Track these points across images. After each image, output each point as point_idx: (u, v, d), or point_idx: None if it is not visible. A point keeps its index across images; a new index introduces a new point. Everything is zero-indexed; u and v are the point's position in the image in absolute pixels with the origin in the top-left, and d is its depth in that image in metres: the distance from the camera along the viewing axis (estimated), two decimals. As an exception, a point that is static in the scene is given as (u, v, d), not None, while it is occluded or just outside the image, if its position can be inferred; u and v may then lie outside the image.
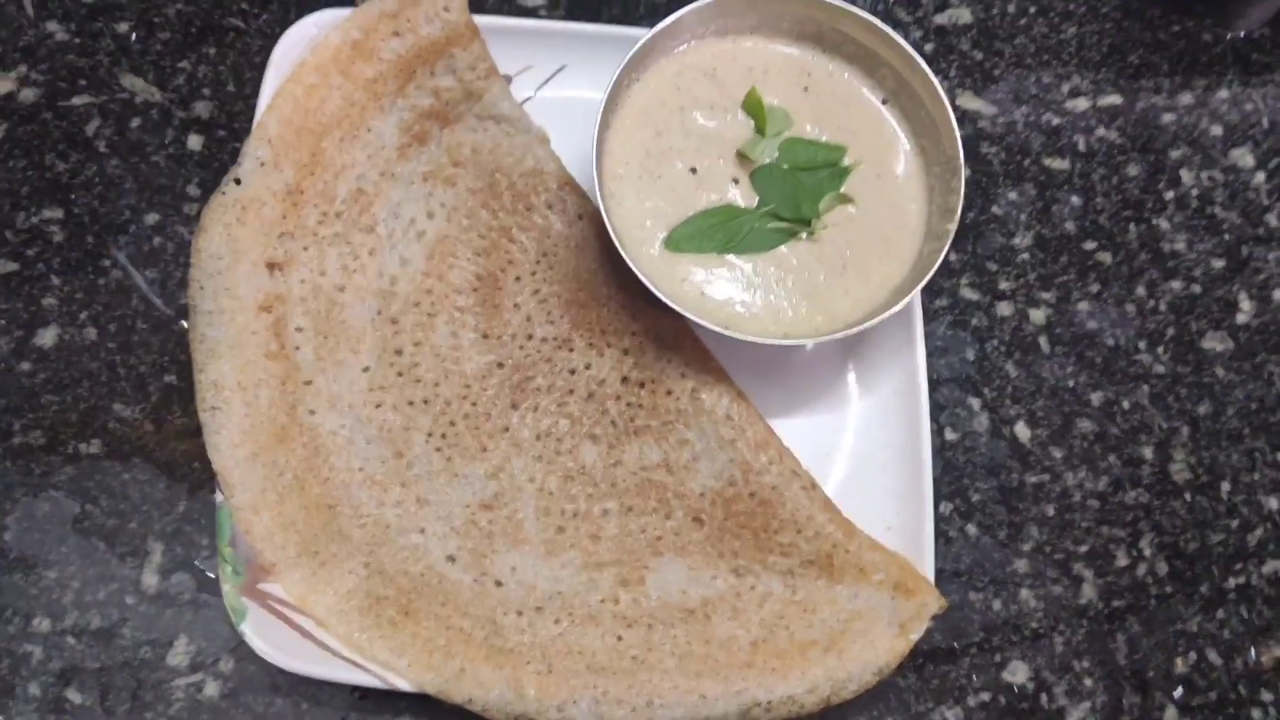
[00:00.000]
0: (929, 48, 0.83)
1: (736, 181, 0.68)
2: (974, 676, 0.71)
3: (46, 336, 0.71)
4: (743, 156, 0.68)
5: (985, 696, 0.71)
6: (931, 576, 0.66)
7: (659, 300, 0.63)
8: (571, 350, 0.70)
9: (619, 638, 0.66)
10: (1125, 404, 0.77)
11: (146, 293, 0.72)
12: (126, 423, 0.70)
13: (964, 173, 0.65)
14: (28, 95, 0.74)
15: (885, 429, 0.71)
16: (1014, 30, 0.84)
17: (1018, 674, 0.72)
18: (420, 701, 0.67)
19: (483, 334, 0.70)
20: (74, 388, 0.70)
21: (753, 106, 0.68)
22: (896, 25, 0.82)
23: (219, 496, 0.64)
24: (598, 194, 0.65)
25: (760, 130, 0.68)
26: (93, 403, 0.70)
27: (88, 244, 0.72)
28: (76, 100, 0.74)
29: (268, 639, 0.63)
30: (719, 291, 0.66)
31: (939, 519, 0.68)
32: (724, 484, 0.69)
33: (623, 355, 0.70)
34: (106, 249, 0.72)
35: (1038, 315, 0.78)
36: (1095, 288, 0.79)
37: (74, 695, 0.66)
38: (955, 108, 0.65)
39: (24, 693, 0.66)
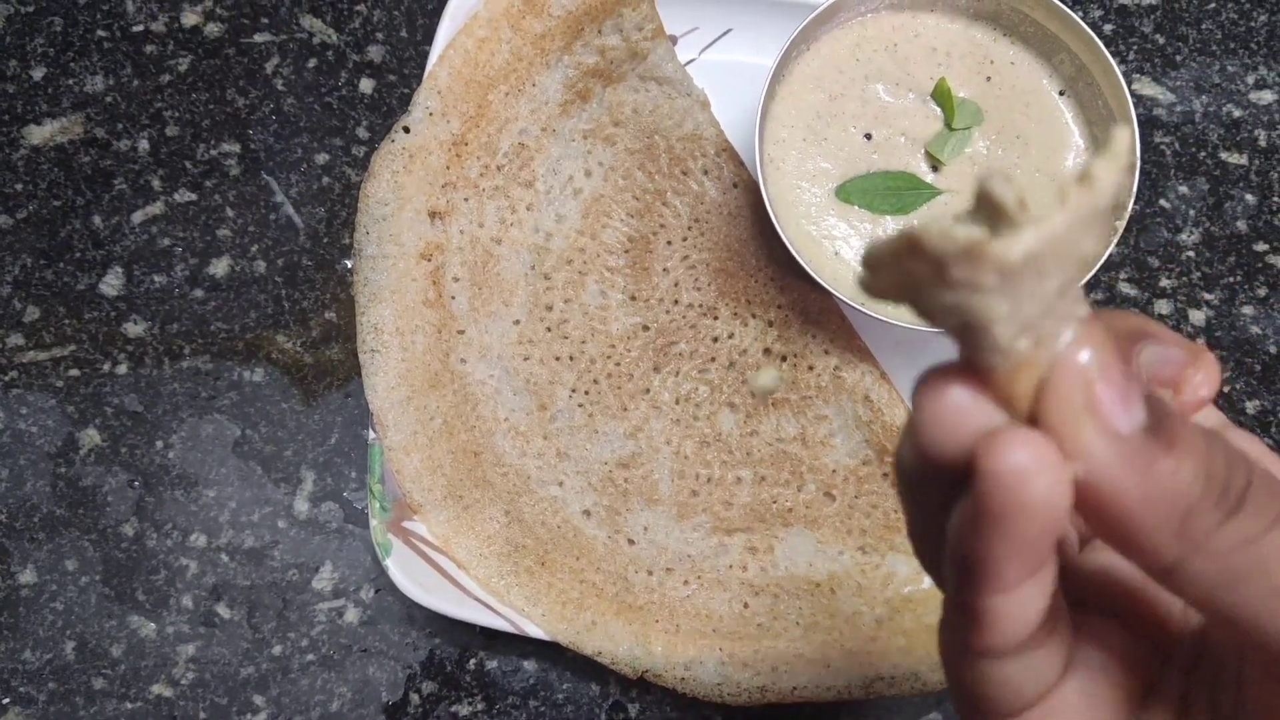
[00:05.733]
0: (1108, 28, 0.79)
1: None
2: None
3: (219, 266, 0.74)
4: (931, 156, 0.66)
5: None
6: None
7: (806, 274, 0.63)
8: (716, 318, 0.71)
9: (745, 604, 0.67)
10: (1284, 415, 0.74)
11: (300, 227, 0.74)
12: (288, 354, 0.73)
13: (1138, 167, 0.63)
14: (213, 30, 0.77)
15: (1029, 422, 0.69)
16: (1201, 14, 0.80)
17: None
18: (543, 647, 0.69)
19: (631, 296, 0.71)
20: (241, 317, 0.73)
21: (942, 97, 0.66)
22: (1075, 3, 0.79)
23: (370, 435, 0.67)
24: (757, 160, 0.64)
25: (948, 124, 0.66)
26: (258, 333, 0.73)
27: (261, 180, 0.75)
28: (258, 37, 0.77)
29: (409, 575, 0.65)
30: (871, 271, 0.66)
31: (1076, 516, 0.67)
32: (858, 463, 0.70)
33: (767, 327, 0.71)
34: (274, 186, 0.75)
35: (1197, 316, 0.76)
36: (1262, 292, 0.76)
37: (223, 610, 0.70)
38: (1130, 93, 0.63)
39: (178, 604, 0.70)
